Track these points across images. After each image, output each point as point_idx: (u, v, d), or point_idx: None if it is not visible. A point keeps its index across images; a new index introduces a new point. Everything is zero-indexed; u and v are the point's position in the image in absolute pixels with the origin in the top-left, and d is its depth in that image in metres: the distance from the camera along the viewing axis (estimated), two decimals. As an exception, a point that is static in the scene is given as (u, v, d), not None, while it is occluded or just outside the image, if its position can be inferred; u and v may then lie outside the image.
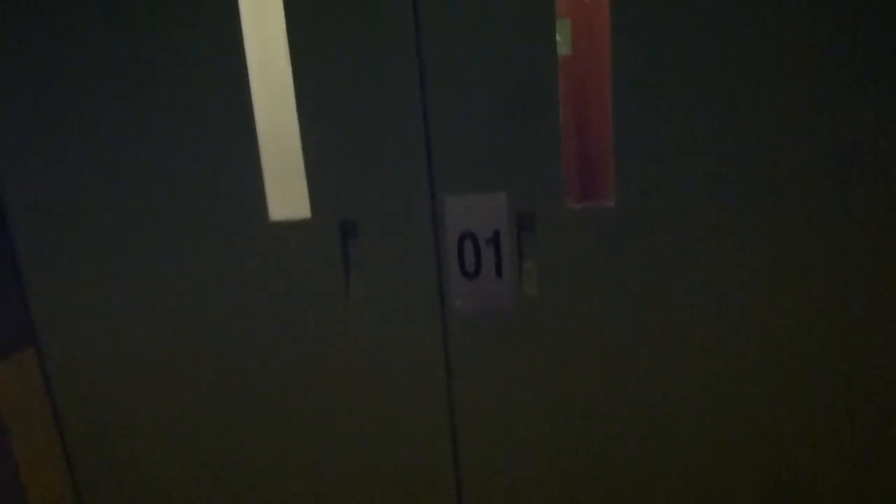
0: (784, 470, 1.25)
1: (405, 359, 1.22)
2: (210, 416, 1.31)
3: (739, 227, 1.10)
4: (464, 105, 1.10)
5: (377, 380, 1.24)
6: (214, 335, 1.26)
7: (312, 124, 1.14)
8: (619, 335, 1.17)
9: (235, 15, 1.10)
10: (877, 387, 1.20)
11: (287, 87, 1.14)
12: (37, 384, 1.31)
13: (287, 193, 1.20)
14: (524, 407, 1.23)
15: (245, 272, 1.21)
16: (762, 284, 1.13)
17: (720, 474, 1.25)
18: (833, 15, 1.00)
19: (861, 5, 0.99)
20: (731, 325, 1.15)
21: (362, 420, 1.27)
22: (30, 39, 1.13)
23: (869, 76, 1.02)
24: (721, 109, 1.05)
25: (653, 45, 1.03)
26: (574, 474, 1.27)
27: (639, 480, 1.26)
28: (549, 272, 1.15)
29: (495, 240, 1.15)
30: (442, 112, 1.11)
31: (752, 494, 1.27)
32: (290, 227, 1.19)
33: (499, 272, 1.16)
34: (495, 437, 1.25)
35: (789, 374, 1.18)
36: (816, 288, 1.13)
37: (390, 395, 1.25)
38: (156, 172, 1.19)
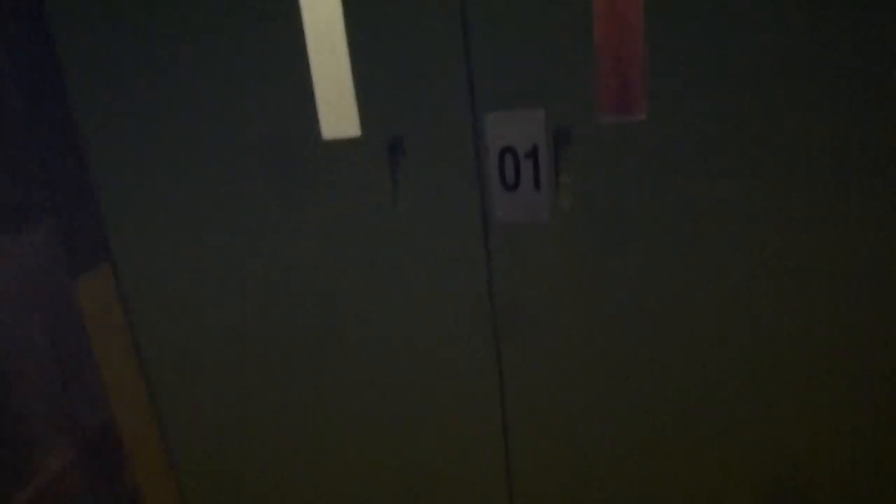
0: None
1: (449, 267, 1.31)
2: (268, 324, 1.42)
3: (773, 133, 1.14)
4: (503, 25, 1.16)
5: (423, 287, 1.34)
6: (270, 250, 1.36)
7: (361, 47, 1.21)
8: (651, 242, 1.24)
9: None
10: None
11: (336, 11, 1.21)
12: (113, 296, 1.44)
13: (338, 113, 1.28)
14: (560, 307, 1.31)
15: (300, 189, 1.31)
16: (796, 195, 1.18)
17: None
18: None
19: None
20: (765, 231, 1.21)
21: (408, 324, 1.37)
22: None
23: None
24: (756, 25, 1.09)
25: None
26: (611, 382, 1.35)
27: (666, 394, 1.34)
28: (584, 183, 1.22)
29: (534, 154, 1.22)
30: (482, 33, 1.17)
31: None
32: (341, 146, 1.28)
33: (537, 185, 1.23)
34: (534, 335, 1.34)
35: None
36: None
37: (436, 300, 1.34)
38: (215, 98, 1.28)
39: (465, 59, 1.19)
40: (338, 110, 1.29)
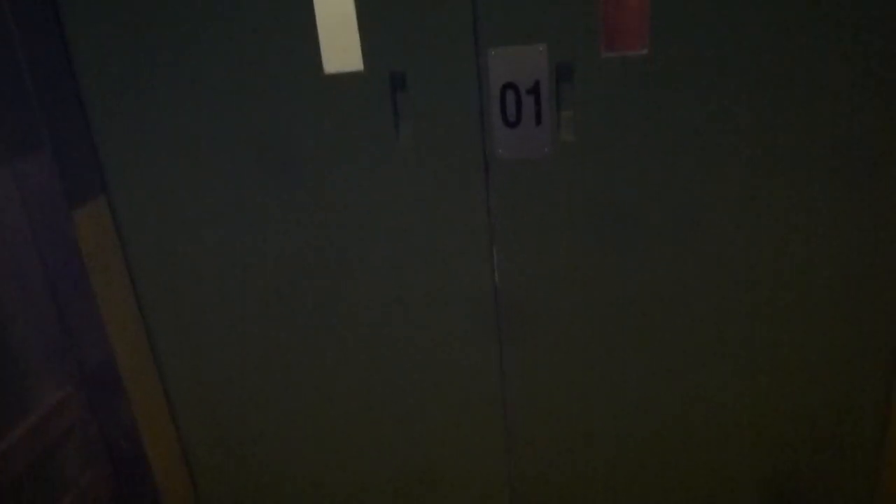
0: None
1: (450, 202, 1.33)
2: (266, 258, 1.44)
3: (773, 72, 1.16)
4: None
5: (424, 221, 1.36)
6: (272, 181, 1.37)
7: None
8: (650, 176, 1.26)
9: None
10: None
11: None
12: (109, 229, 1.43)
13: (340, 47, 1.28)
14: (559, 240, 1.34)
15: (302, 122, 1.31)
16: (798, 133, 1.21)
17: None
18: None
19: None
20: (767, 165, 1.23)
21: (412, 256, 1.40)
22: None
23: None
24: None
25: None
26: (611, 312, 1.39)
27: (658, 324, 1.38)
28: (585, 119, 1.24)
29: (535, 90, 1.23)
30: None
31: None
32: (344, 79, 1.27)
33: (538, 120, 1.25)
34: (533, 265, 1.37)
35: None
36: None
37: (435, 234, 1.37)
38: (213, 30, 1.27)
39: (470, -6, 1.19)
40: (340, 44, 1.28)
